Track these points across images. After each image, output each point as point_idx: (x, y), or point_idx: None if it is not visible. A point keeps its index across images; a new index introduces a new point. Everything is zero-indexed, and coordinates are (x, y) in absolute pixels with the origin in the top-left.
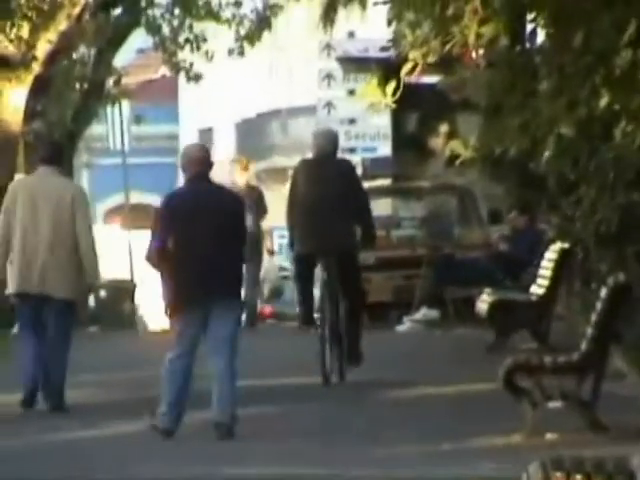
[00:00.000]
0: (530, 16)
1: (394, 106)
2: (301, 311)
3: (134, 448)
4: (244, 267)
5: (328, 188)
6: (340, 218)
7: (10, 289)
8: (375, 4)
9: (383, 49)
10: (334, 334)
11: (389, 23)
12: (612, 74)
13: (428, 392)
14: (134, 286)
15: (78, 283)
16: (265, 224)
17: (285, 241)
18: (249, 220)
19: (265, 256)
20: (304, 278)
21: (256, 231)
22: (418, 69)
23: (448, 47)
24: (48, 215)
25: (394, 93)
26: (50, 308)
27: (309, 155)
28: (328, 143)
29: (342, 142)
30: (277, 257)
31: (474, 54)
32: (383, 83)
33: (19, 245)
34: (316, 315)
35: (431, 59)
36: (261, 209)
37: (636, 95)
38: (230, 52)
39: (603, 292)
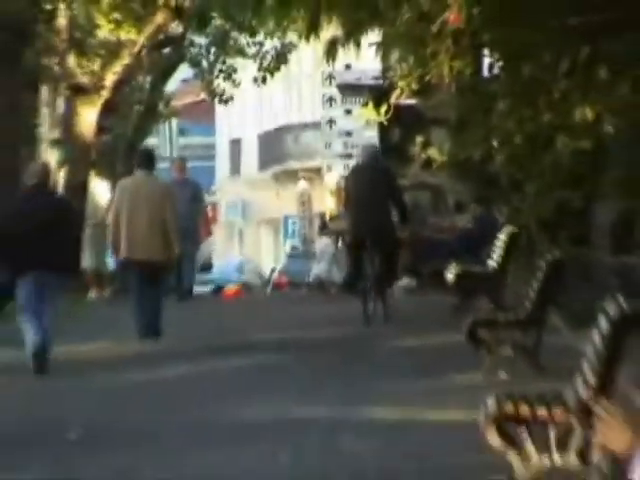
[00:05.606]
0: (489, 53)
1: (385, 123)
2: (348, 278)
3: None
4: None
5: (373, 187)
6: (383, 210)
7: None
8: (370, 45)
9: (375, 78)
10: (376, 290)
11: (380, 58)
12: (552, 98)
13: (413, 344)
14: None
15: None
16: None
17: (296, 226)
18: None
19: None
20: (355, 257)
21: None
22: (404, 95)
23: (427, 78)
24: (146, 207)
25: (386, 113)
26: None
27: (354, 162)
28: (371, 154)
29: (341, 150)
30: (288, 240)
31: (447, 82)
32: (375, 105)
33: (125, 229)
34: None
35: (414, 87)
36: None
37: (571, 115)
38: (254, 80)
39: (543, 265)
